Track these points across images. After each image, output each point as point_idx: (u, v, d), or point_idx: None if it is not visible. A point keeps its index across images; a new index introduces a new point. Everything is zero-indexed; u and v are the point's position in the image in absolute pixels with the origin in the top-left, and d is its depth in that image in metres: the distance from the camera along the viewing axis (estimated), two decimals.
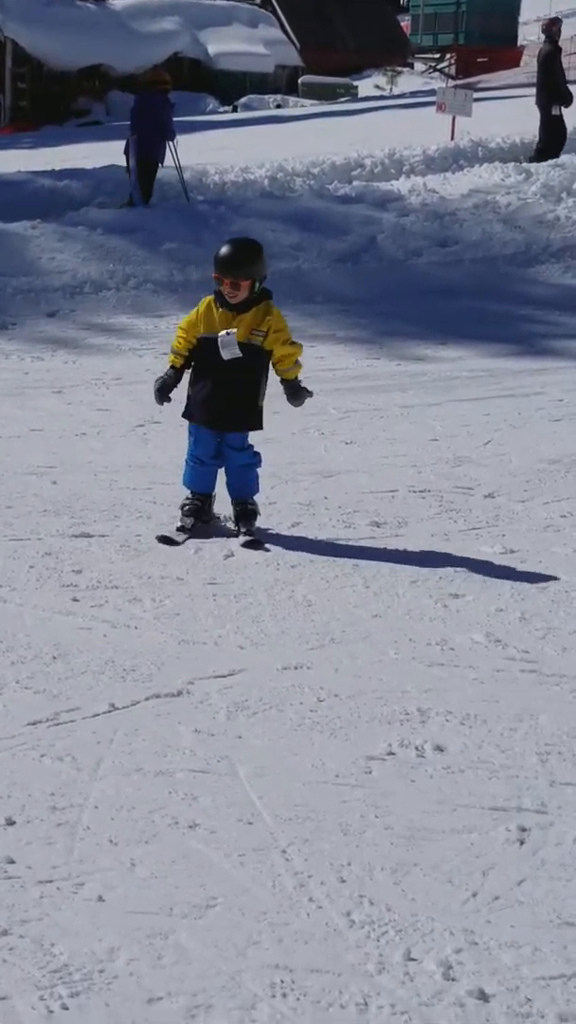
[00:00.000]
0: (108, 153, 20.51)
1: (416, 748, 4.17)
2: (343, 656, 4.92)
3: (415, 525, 6.58)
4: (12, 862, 3.40)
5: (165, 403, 6.44)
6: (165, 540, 6.19)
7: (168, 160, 16.77)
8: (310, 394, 6.38)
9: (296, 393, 6.33)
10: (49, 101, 50.32)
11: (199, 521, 6.41)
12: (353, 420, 8.84)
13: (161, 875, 3.39)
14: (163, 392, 6.39)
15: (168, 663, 4.78)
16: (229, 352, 6.12)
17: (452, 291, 13.72)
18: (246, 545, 6.16)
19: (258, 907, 3.26)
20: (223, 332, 6.13)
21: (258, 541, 6.21)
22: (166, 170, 16.94)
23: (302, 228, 14.96)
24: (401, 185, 17.30)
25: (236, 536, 6.29)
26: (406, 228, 15.09)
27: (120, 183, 17.00)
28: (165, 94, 16.80)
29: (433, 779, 3.98)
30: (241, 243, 6.31)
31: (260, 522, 6.46)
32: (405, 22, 62.44)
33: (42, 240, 13.91)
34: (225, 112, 47.13)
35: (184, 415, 6.38)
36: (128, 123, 16.98)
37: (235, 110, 47.03)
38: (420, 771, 4.03)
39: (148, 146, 16.46)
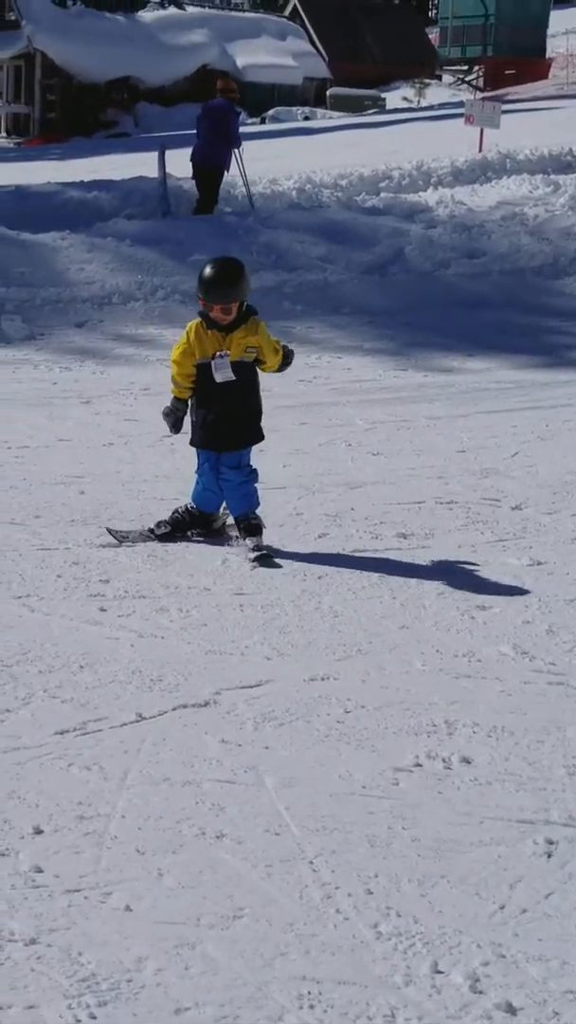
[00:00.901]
0: (137, 164, 20.61)
1: (443, 760, 4.16)
2: (370, 667, 4.92)
3: (442, 537, 6.57)
4: (40, 871, 3.41)
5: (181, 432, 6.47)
6: (114, 535, 6.26)
7: (233, 167, 17.00)
8: (291, 355, 6.50)
9: (281, 370, 6.48)
10: (78, 113, 50.52)
11: (180, 532, 6.36)
12: (380, 431, 8.84)
13: (188, 885, 3.39)
14: (178, 426, 6.40)
15: (195, 673, 4.79)
16: (222, 375, 6.12)
17: (480, 303, 13.71)
18: (257, 561, 6.07)
19: (285, 918, 3.26)
20: (216, 355, 6.13)
21: (268, 556, 6.12)
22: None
23: (330, 239, 14.97)
24: (429, 197, 17.31)
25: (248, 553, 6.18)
26: (434, 240, 15.09)
27: (148, 195, 17.05)
28: (232, 102, 17.04)
29: (460, 791, 3.97)
30: (225, 266, 6.25)
31: (287, 534, 6.47)
32: (433, 34, 62.36)
33: (71, 251, 13.96)
34: (253, 124, 47.23)
35: (192, 443, 6.35)
36: (157, 134, 17.17)
37: (263, 122, 47.09)
38: (447, 783, 4.02)
39: (214, 153, 16.63)
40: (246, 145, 17.39)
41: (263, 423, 6.39)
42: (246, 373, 6.21)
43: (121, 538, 6.26)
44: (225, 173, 17.03)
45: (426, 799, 3.91)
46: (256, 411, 6.32)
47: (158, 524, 6.34)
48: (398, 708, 4.54)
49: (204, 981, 3.00)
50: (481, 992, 3.00)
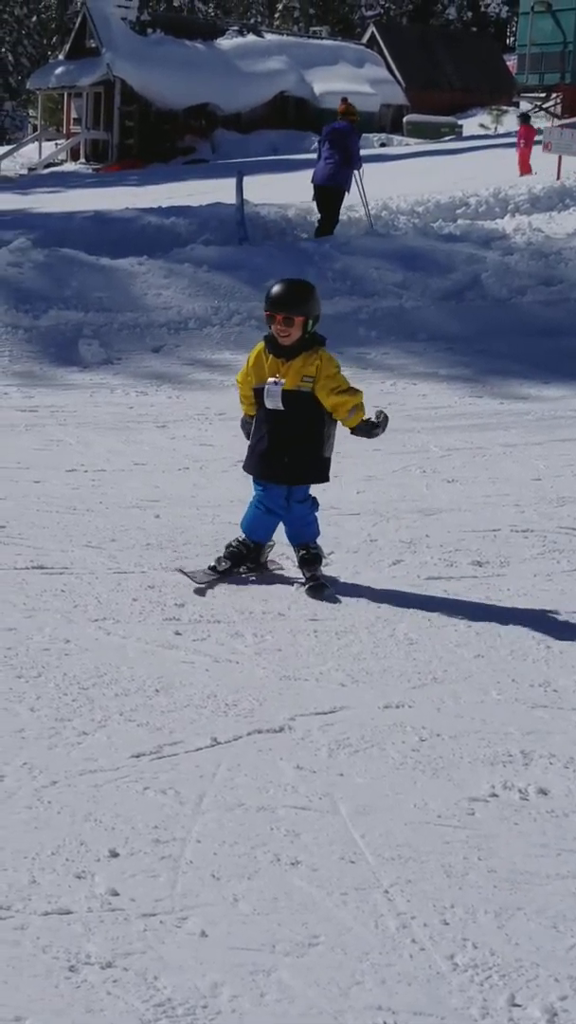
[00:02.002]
0: (214, 191, 20.74)
1: (519, 791, 4.13)
2: (445, 695, 4.90)
3: (517, 565, 6.54)
4: (116, 894, 3.42)
5: None
6: (188, 576, 6.05)
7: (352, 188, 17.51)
8: (383, 423, 6.00)
9: (368, 434, 6.03)
10: (156, 139, 51.04)
11: (238, 567, 6.20)
12: (455, 458, 8.82)
13: (263, 911, 3.38)
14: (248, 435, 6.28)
15: (270, 698, 4.79)
16: (272, 402, 5.94)
17: (556, 330, 13.65)
18: (310, 592, 5.97)
19: (361, 947, 3.24)
20: (270, 380, 5.95)
21: (323, 586, 6.01)
22: (271, 208, 17.15)
23: (406, 266, 14.99)
24: (506, 224, 17.31)
25: (301, 582, 6.10)
26: (510, 267, 15.06)
27: (225, 221, 17.16)
28: (354, 124, 17.44)
29: (537, 822, 3.94)
30: (295, 280, 6.12)
31: (361, 560, 6.47)
32: (511, 61, 62.39)
33: (148, 276, 14.07)
34: None
35: (244, 468, 6.23)
36: (234, 160, 17.41)
37: None
38: (523, 814, 3.99)
39: (337, 174, 17.04)
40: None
41: (329, 475, 6.15)
42: (303, 405, 5.94)
43: (192, 579, 6.03)
44: (346, 194, 17.45)
45: (502, 830, 3.88)
46: (314, 448, 6.03)
47: (218, 560, 6.17)
48: (474, 737, 4.52)
49: (280, 1009, 2.99)
50: None
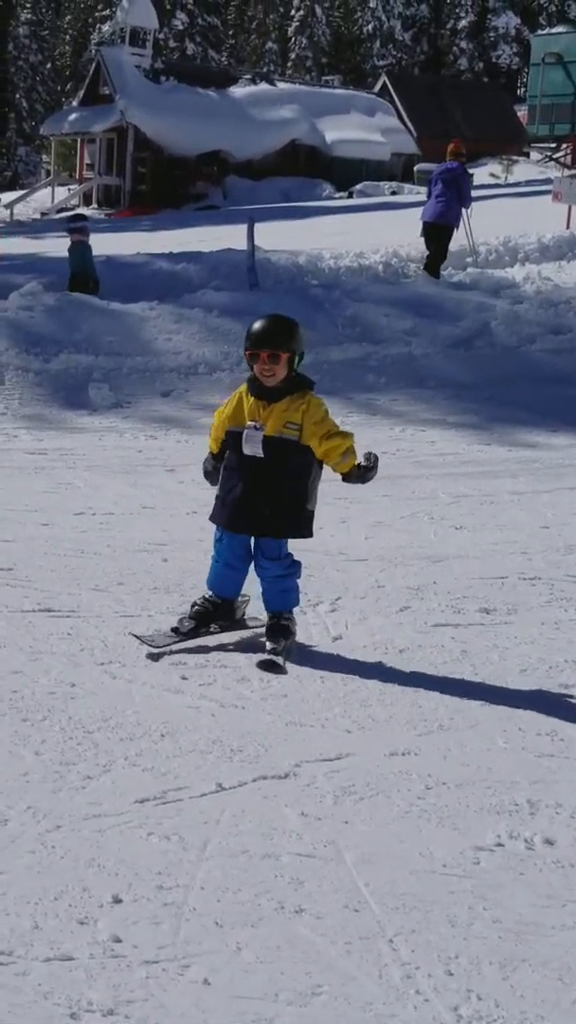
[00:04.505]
0: (225, 237, 20.84)
1: (525, 840, 4.11)
2: (451, 744, 4.88)
3: (525, 613, 6.53)
4: (119, 941, 3.40)
5: None
6: (143, 640, 5.69)
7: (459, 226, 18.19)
8: (374, 466, 5.59)
9: (361, 479, 5.61)
10: (168, 185, 51.40)
11: (205, 627, 5.84)
12: (463, 505, 8.82)
13: (267, 960, 3.36)
14: (211, 478, 5.94)
15: (275, 744, 4.77)
16: (250, 448, 5.56)
17: (565, 378, 13.67)
18: (262, 665, 5.52)
19: (364, 997, 3.22)
20: (250, 424, 5.56)
21: (276, 663, 5.53)
22: (278, 256, 17.27)
23: (416, 313, 15.04)
24: (516, 273, 17.38)
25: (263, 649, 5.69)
26: (520, 315, 15.11)
27: (236, 266, 17.23)
28: (463, 164, 17.99)
29: (543, 873, 3.91)
30: (276, 315, 5.68)
31: (368, 606, 6.46)
32: (522, 112, 62.79)
33: (159, 321, 14.13)
34: (340, 198, 47.70)
35: (211, 518, 5.85)
36: (245, 207, 17.60)
37: (350, 196, 47.57)
38: (529, 864, 3.97)
39: (448, 212, 17.74)
40: (334, 219, 17.84)
41: (312, 530, 5.75)
42: (285, 452, 5.54)
43: (149, 643, 5.69)
44: (455, 231, 18.10)
45: (508, 880, 3.86)
46: (298, 500, 5.62)
47: (181, 621, 5.84)
48: (480, 786, 4.50)
49: None
50: None
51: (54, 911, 3.54)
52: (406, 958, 3.40)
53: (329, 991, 3.24)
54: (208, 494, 8.89)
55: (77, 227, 16.83)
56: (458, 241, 18.68)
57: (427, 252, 18.22)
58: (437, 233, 17.90)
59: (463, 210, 18.04)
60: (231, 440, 5.66)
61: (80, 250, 16.33)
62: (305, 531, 5.70)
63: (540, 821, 4.25)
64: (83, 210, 48.63)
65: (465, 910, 3.67)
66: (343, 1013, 3.15)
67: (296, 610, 6.06)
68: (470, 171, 18.49)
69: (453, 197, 17.67)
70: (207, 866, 3.83)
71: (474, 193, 18.51)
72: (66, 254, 16.63)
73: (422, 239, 18.29)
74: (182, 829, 4.05)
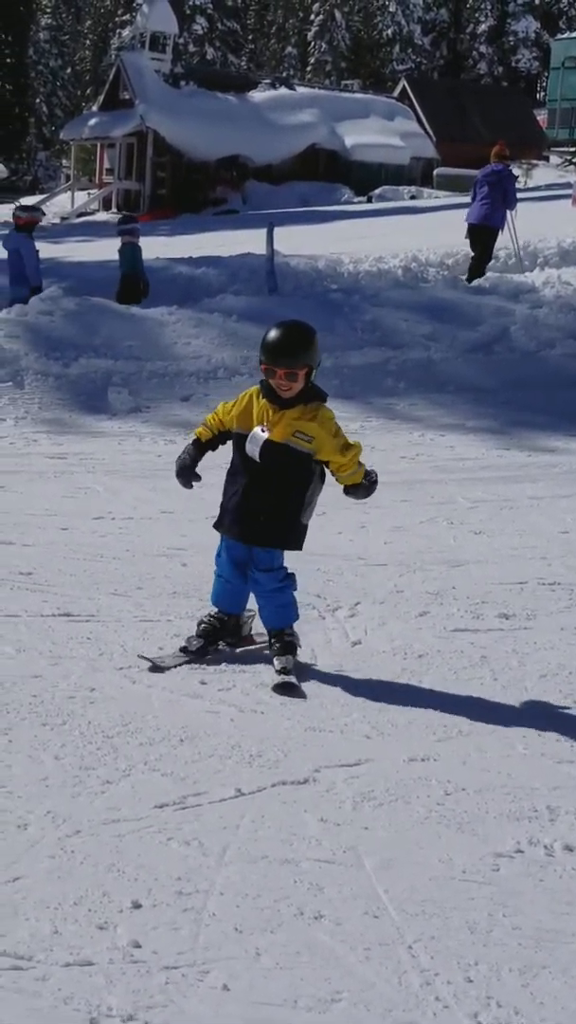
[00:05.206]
0: (244, 241, 20.86)
1: (545, 847, 4.10)
2: (471, 749, 4.87)
3: (544, 618, 6.51)
4: (138, 946, 3.40)
5: (195, 483, 5.79)
6: (153, 667, 5.53)
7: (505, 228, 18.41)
8: (375, 481, 5.58)
9: (367, 492, 5.58)
10: (187, 190, 51.45)
11: (214, 644, 5.74)
12: (482, 510, 8.81)
13: (286, 966, 3.36)
14: (184, 474, 5.75)
15: (294, 750, 4.77)
16: (250, 447, 5.43)
17: None
18: (277, 689, 5.36)
19: (383, 1004, 3.21)
20: (257, 428, 5.41)
21: (293, 685, 5.39)
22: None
23: (435, 318, 15.01)
24: (535, 277, 17.33)
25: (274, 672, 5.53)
26: (539, 320, 15.07)
27: (255, 271, 17.25)
28: (509, 166, 18.28)
29: (562, 879, 3.90)
30: (293, 326, 5.39)
31: (387, 611, 6.45)
32: (541, 116, 62.81)
33: (178, 326, 14.14)
34: (360, 203, 47.71)
35: (214, 526, 5.77)
36: (265, 211, 17.60)
37: (370, 200, 47.58)
38: (549, 871, 3.96)
39: (493, 214, 17.95)
40: (354, 223, 17.83)
41: (302, 543, 5.61)
42: (286, 461, 5.39)
43: (160, 663, 5.57)
44: (499, 233, 18.31)
45: (527, 887, 3.85)
46: (292, 512, 5.48)
47: (189, 640, 5.73)
48: (499, 792, 4.49)
49: None
50: None
51: (74, 916, 3.54)
52: (425, 965, 3.40)
53: (348, 997, 3.24)
54: None
55: (127, 228, 16.84)
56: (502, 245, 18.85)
57: (472, 254, 18.37)
58: (481, 235, 18.07)
59: (508, 212, 18.15)
60: (237, 442, 5.56)
61: (130, 251, 16.37)
62: (293, 543, 5.57)
63: (560, 827, 4.24)
64: (103, 215, 48.77)
65: (485, 917, 3.66)
66: (362, 1020, 3.15)
67: (315, 615, 6.06)
68: (516, 174, 18.63)
69: (498, 199, 17.81)
70: (226, 871, 3.83)
71: None
72: (85, 259, 16.65)
73: (467, 240, 18.46)
74: (201, 834, 4.05)
